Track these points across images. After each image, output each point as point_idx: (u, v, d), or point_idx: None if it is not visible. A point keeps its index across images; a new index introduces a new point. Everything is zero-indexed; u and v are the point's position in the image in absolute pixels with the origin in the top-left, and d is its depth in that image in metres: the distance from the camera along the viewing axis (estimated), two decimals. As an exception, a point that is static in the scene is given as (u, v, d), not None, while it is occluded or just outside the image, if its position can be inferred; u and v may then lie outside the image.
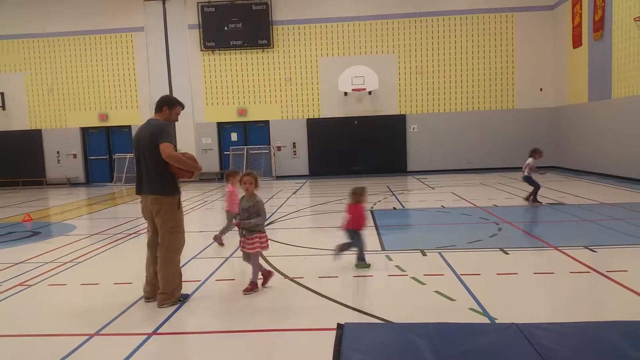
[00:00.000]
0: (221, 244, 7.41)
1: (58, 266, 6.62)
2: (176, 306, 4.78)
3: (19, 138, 19.50)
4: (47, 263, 6.80)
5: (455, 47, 18.43)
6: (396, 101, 18.67)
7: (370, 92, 18.18)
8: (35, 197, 15.98)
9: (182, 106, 5.16)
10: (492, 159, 18.47)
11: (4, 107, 19.53)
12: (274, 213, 10.42)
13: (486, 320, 4.20)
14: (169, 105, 5.02)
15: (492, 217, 8.97)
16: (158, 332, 4.26)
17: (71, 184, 19.43)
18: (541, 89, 18.38)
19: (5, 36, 19.32)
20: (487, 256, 6.38)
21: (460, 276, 5.43)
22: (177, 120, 5.19)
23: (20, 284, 5.83)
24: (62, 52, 19.36)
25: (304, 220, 9.91)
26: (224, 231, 7.49)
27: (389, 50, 18.56)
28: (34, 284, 5.83)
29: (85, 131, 19.80)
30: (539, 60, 18.27)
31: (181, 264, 5.01)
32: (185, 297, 4.97)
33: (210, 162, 19.22)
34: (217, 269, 5.97)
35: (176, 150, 4.83)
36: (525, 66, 18.30)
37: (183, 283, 5.03)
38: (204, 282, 5.53)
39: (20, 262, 6.93)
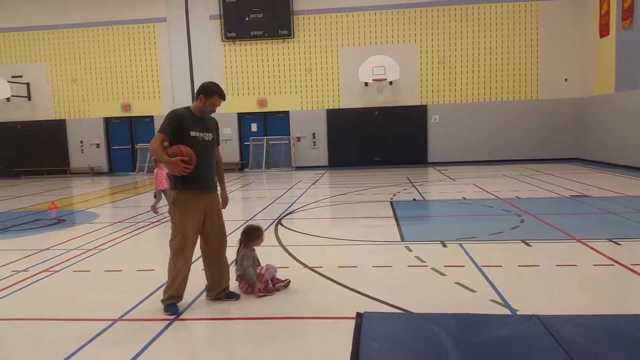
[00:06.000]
0: (156, 212, 9.54)
1: (82, 253, 6.76)
2: (196, 295, 4.81)
3: (43, 128, 19.90)
4: (71, 250, 6.95)
5: (478, 36, 18.15)
6: (417, 91, 18.50)
7: (391, 83, 18.05)
8: (59, 185, 16.32)
9: (222, 97, 4.53)
10: (515, 150, 18.21)
11: (29, 98, 19.93)
12: (293, 203, 10.46)
13: (507, 312, 4.16)
14: (205, 94, 4.46)
15: (514, 209, 8.86)
16: (180, 318, 4.33)
17: (94, 173, 19.77)
18: (566, 79, 18.01)
19: (29, 27, 19.67)
20: (509, 248, 6.31)
21: (481, 268, 5.38)
22: (213, 112, 4.58)
23: (46, 270, 5.97)
24: (86, 42, 19.62)
25: (323, 211, 9.92)
26: (155, 204, 9.73)
27: (411, 40, 18.37)
28: (60, 270, 5.97)
29: (108, 121, 20.10)
30: (564, 49, 17.88)
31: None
32: (172, 311, 4.38)
33: (230, 153, 19.36)
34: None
35: (176, 141, 4.30)
36: (550, 56, 17.94)
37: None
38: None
39: (46, 249, 7.10)
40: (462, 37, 18.20)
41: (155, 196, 9.76)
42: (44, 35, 19.74)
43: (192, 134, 4.41)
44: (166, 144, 4.41)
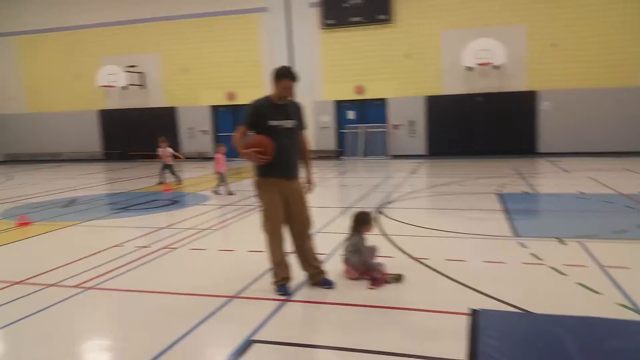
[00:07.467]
0: (218, 194, 10.67)
1: (196, 232, 7.19)
2: (304, 278, 4.89)
3: (157, 114, 21.37)
4: (187, 229, 7.41)
5: (596, 15, 16.58)
6: (525, 76, 17.39)
7: (496, 67, 17.12)
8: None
9: (291, 78, 4.46)
10: (637, 141, 16.51)
11: (144, 86, 21.48)
12: (392, 192, 10.34)
13: (639, 318, 3.80)
14: (275, 78, 4.50)
15: (638, 205, 8.07)
16: (292, 299, 4.45)
17: (202, 158, 20.91)
18: (702, 62, 15.99)
19: (141, 20, 21.05)
20: (636, 248, 5.76)
21: (606, 268, 4.96)
22: (288, 96, 4.57)
23: (165, 247, 6.42)
24: (193, 33, 20.62)
25: (424, 201, 9.72)
26: (218, 186, 10.83)
27: (518, 20, 17.26)
28: (178, 248, 6.40)
29: (215, 109, 21.12)
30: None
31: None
32: (283, 291, 4.52)
33: (327, 140, 19.54)
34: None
35: (260, 131, 4.46)
36: (684, 35, 16.00)
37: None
38: (330, 255, 5.65)
39: (164, 228, 7.64)
40: (576, 16, 16.73)
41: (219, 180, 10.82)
42: (156, 27, 21.04)
43: (271, 123, 4.48)
44: (251, 133, 4.53)
